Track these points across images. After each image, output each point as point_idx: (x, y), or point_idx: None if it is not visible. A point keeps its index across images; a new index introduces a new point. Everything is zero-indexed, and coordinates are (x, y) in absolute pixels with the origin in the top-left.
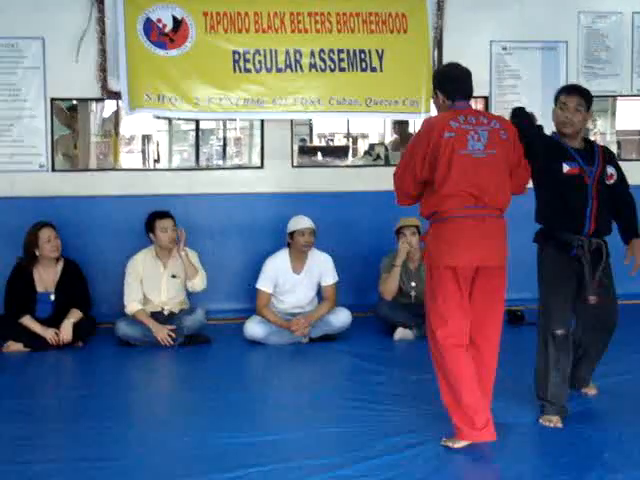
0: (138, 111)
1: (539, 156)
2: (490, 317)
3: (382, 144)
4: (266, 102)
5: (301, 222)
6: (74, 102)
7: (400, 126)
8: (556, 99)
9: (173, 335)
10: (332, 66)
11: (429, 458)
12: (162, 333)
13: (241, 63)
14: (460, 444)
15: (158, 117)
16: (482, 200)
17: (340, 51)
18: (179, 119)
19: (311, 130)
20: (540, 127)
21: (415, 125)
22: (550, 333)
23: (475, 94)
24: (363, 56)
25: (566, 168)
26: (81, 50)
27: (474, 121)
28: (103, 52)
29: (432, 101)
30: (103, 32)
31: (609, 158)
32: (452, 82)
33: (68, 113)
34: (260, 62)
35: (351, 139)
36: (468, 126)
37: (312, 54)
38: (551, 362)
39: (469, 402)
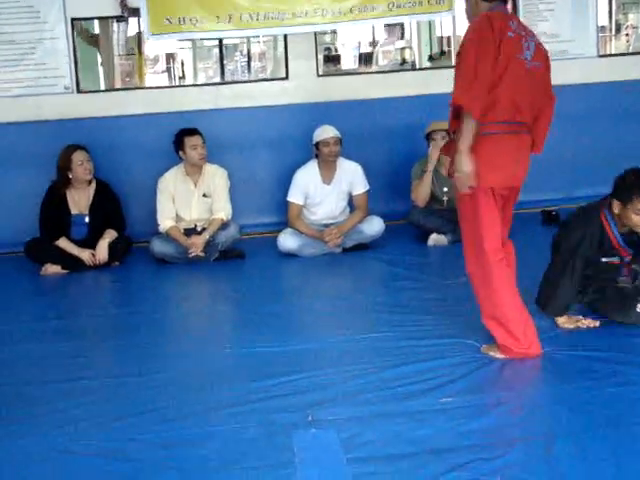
0: (159, 37)
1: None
2: (506, 230)
3: (410, 48)
4: (287, 16)
5: (325, 132)
6: (95, 22)
7: None
8: (624, 199)
9: (200, 242)
10: None
11: (468, 360)
12: (191, 241)
13: None
14: (502, 356)
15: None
16: (521, 113)
17: None
18: (201, 39)
19: (335, 38)
20: None
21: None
22: None
23: None
24: None
25: (604, 260)
26: None
27: (522, 27)
28: None
29: (465, 3)
30: None
31: None
32: None
33: (90, 35)
34: None
35: (376, 45)
36: (521, 31)
37: None
38: None
39: (516, 318)
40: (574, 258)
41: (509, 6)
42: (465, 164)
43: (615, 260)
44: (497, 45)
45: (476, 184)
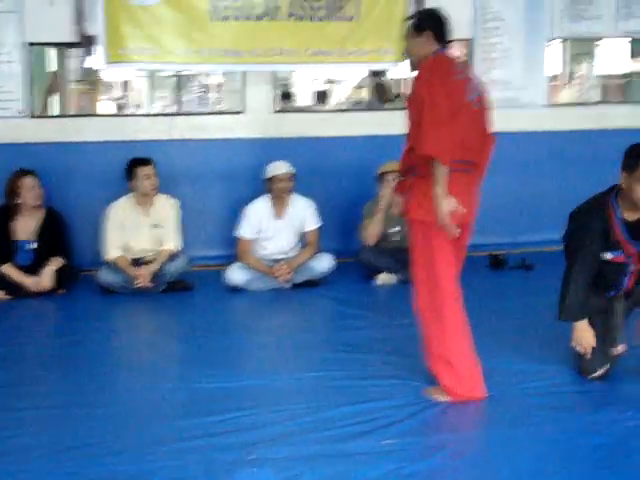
0: (116, 66)
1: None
2: (459, 269)
3: (364, 87)
4: (244, 53)
5: (278, 167)
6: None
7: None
8: (631, 167)
9: (147, 273)
10: (310, 14)
11: (413, 402)
12: (138, 271)
13: (219, 10)
14: (447, 399)
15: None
16: (471, 153)
17: None
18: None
19: (292, 75)
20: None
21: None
22: None
23: (458, 36)
24: (341, 4)
25: (609, 256)
26: None
27: (465, 70)
28: None
29: (409, 42)
30: None
31: None
32: (443, 24)
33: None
34: (238, 9)
35: (332, 84)
36: (465, 74)
37: (290, 1)
38: None
39: (464, 359)
40: (583, 252)
41: (459, 52)
42: (447, 205)
43: (620, 257)
44: (450, 89)
45: (430, 220)
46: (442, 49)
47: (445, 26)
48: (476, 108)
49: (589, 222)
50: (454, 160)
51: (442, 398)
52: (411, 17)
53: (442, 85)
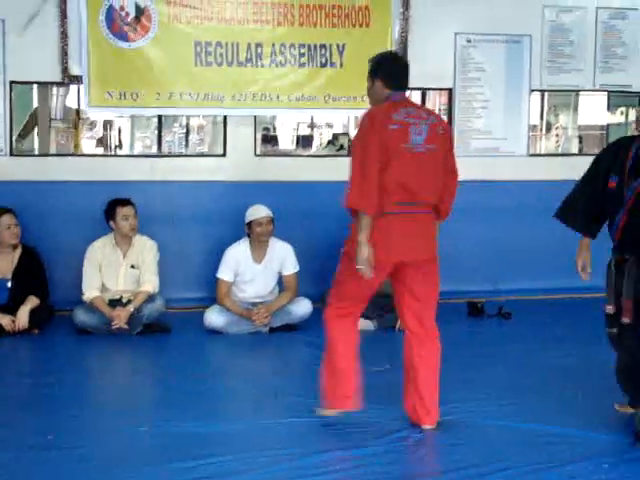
0: (98, 109)
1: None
2: (427, 309)
3: (346, 134)
4: (227, 98)
5: (258, 211)
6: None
7: None
8: None
9: (123, 314)
10: (292, 61)
11: (386, 452)
12: (115, 312)
13: (203, 56)
14: (328, 412)
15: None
16: (416, 197)
17: (301, 46)
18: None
19: (275, 119)
20: None
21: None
22: None
23: (439, 86)
24: (324, 51)
25: (611, 181)
26: (42, 33)
27: (415, 113)
28: (64, 36)
29: (367, 87)
30: (65, 15)
31: None
32: (395, 70)
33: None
34: (222, 55)
35: (314, 129)
36: (410, 119)
37: (273, 48)
38: None
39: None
40: (594, 166)
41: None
42: (364, 253)
43: (614, 182)
44: (379, 141)
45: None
46: (394, 95)
47: (397, 70)
48: (420, 151)
49: (613, 144)
50: (395, 202)
51: (324, 412)
52: (369, 61)
53: (373, 136)
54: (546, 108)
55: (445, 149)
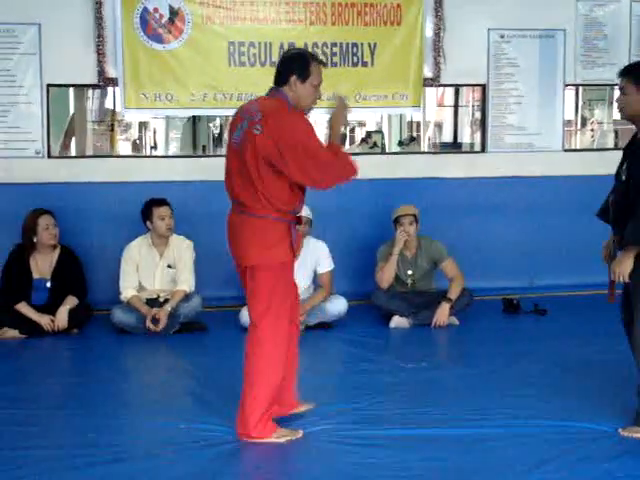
0: (134, 111)
1: None
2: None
3: (379, 132)
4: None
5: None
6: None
7: None
8: None
9: (164, 315)
10: (324, 60)
11: (421, 448)
12: (154, 311)
13: (236, 56)
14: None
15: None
16: (232, 194)
17: (333, 45)
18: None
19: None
20: None
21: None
22: None
23: (473, 82)
24: (355, 50)
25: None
26: (79, 36)
27: (250, 109)
28: (100, 38)
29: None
30: (100, 18)
31: None
32: (282, 64)
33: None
34: (255, 55)
35: (347, 127)
36: (244, 113)
37: (306, 47)
38: None
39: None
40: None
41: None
42: None
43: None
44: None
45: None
46: (275, 90)
47: (282, 65)
48: (235, 147)
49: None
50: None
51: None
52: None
53: (310, 126)
54: (581, 103)
55: (255, 147)
